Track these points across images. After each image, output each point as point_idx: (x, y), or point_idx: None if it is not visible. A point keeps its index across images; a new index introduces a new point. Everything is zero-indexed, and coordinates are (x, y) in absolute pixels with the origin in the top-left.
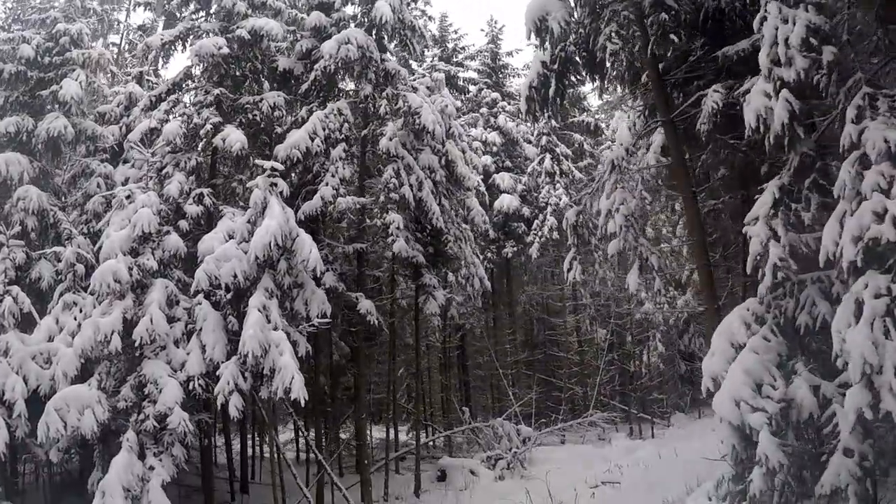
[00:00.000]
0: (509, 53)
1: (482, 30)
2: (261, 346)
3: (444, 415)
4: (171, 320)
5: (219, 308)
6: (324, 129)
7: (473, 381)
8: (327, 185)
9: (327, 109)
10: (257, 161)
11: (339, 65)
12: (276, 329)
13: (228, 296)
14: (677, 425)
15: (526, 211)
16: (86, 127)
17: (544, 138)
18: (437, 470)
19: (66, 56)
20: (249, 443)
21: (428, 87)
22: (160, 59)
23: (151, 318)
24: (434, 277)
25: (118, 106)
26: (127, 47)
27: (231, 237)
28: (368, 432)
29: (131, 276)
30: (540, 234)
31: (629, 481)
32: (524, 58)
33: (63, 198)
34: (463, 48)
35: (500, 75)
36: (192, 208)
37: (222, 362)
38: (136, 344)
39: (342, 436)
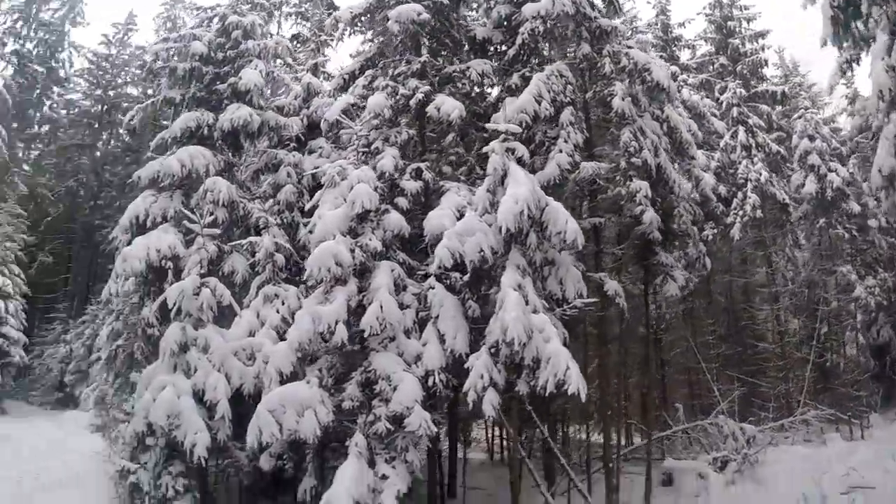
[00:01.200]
0: (681, 24)
1: (648, 2)
2: (525, 331)
3: (643, 413)
4: (399, 307)
5: (454, 292)
6: (549, 92)
7: (668, 376)
8: (561, 151)
9: (547, 71)
10: (489, 125)
11: (550, 25)
12: (535, 312)
13: (465, 278)
14: (876, 426)
15: (722, 189)
16: (268, 117)
17: (734, 110)
18: (662, 473)
19: (240, 49)
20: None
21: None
22: (345, 34)
23: (381, 305)
24: (670, 256)
25: (296, 98)
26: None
27: (460, 213)
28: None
29: (353, 258)
30: (741, 213)
31: (885, 487)
32: (695, 28)
33: (248, 191)
34: (632, 18)
35: (674, 48)
36: (409, 184)
37: (465, 353)
38: (366, 334)
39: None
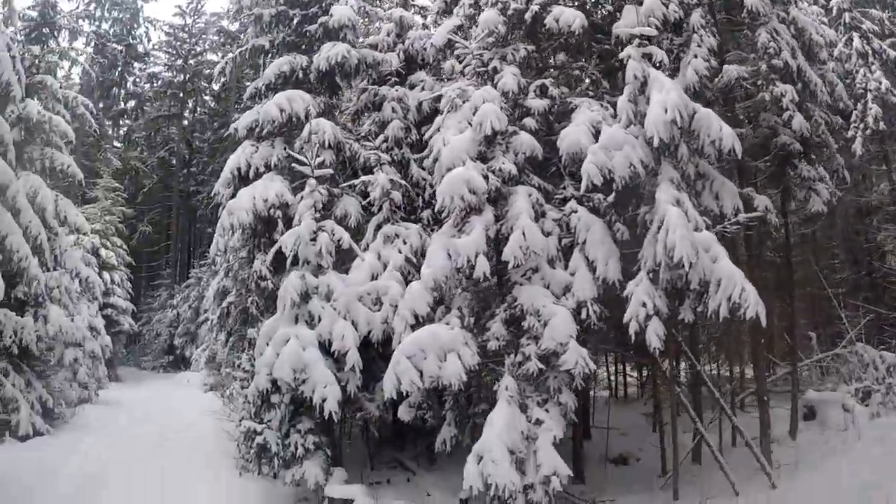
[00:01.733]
0: None
1: None
2: (693, 249)
3: (775, 343)
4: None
5: (599, 215)
6: None
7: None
8: (696, 56)
9: None
10: (620, 29)
11: None
12: (697, 230)
13: (609, 199)
14: None
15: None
16: (364, 54)
17: (846, 15)
18: (804, 406)
19: None
20: None
21: None
22: None
23: (524, 232)
24: (812, 168)
25: (388, 35)
26: None
27: (596, 129)
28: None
29: (488, 183)
30: (862, 126)
31: None
32: None
33: (351, 133)
34: None
35: None
36: (535, 102)
37: (618, 281)
38: (510, 266)
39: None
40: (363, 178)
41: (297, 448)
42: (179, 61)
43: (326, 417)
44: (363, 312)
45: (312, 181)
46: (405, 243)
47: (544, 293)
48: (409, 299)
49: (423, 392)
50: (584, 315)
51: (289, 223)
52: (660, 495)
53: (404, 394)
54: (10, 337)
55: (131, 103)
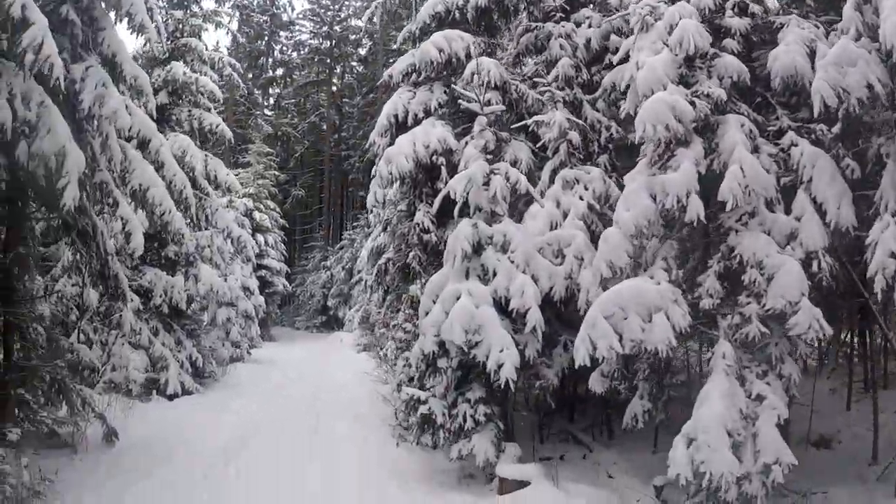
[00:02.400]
0: None
1: None
2: None
3: None
4: None
5: (823, 149)
6: None
7: None
8: None
9: None
10: None
11: None
12: None
13: (833, 130)
14: None
15: None
16: None
17: None
18: None
19: None
20: None
21: None
22: None
23: (742, 167)
24: None
25: None
26: None
27: (810, 48)
28: None
29: (695, 110)
30: None
31: None
32: None
33: (514, 75)
34: None
35: None
36: (735, 21)
37: (852, 226)
38: (728, 207)
39: None
40: (536, 118)
41: (465, 419)
42: (324, 28)
43: (502, 386)
44: (544, 266)
45: (482, 119)
46: (587, 189)
47: (767, 241)
48: (604, 249)
49: (619, 359)
50: (814, 268)
51: (453, 171)
52: (878, 489)
53: (599, 360)
54: (161, 296)
55: (279, 71)
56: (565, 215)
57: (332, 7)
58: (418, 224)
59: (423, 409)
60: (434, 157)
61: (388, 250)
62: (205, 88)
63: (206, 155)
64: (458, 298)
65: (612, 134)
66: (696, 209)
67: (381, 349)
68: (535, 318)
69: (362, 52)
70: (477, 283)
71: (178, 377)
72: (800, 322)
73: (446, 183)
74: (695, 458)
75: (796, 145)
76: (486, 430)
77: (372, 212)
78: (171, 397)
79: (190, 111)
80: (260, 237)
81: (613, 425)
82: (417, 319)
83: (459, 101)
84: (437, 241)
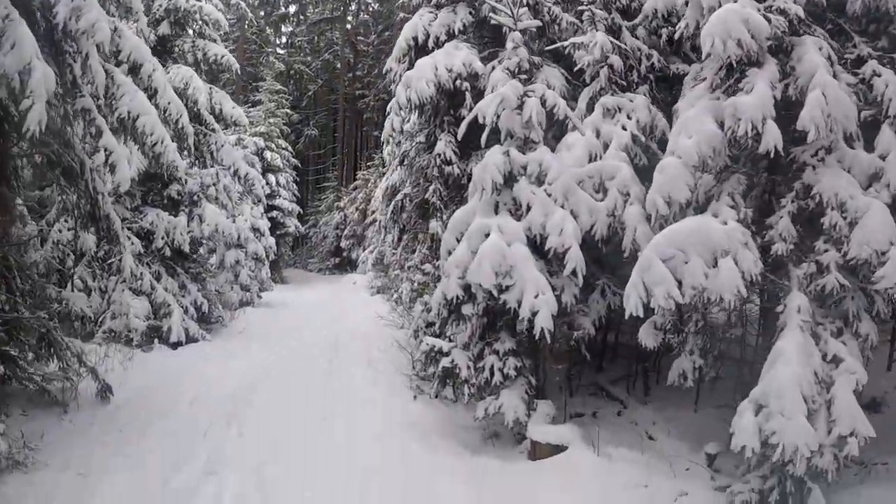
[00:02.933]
0: None
1: None
2: None
3: None
4: None
5: None
6: None
7: None
8: None
9: None
10: None
11: None
12: None
13: None
14: None
15: None
16: None
17: None
18: None
19: None
20: None
21: None
22: None
23: (824, 94)
24: None
25: None
26: None
27: None
28: None
29: (770, 26)
30: None
31: None
32: None
33: None
34: None
35: None
36: None
37: None
38: (809, 139)
39: None
40: (573, 39)
41: (492, 374)
42: None
43: (536, 336)
44: (584, 200)
45: (515, 35)
46: (630, 118)
47: (849, 180)
48: (660, 181)
49: (675, 310)
50: None
51: (478, 97)
52: None
53: (655, 309)
54: (162, 238)
55: (292, 8)
56: (606, 146)
57: None
58: (439, 155)
59: (445, 361)
60: (458, 82)
61: (404, 186)
62: (209, 17)
63: (210, 88)
64: (486, 236)
65: (653, 63)
66: (773, 138)
67: (396, 292)
68: (575, 258)
69: None
70: (508, 218)
71: (181, 324)
72: (887, 275)
73: (470, 110)
74: (764, 428)
75: (879, 75)
76: (516, 386)
77: (387, 147)
78: (174, 345)
79: (193, 42)
80: (271, 177)
81: (649, 379)
82: (437, 260)
83: (490, 16)
84: (460, 174)
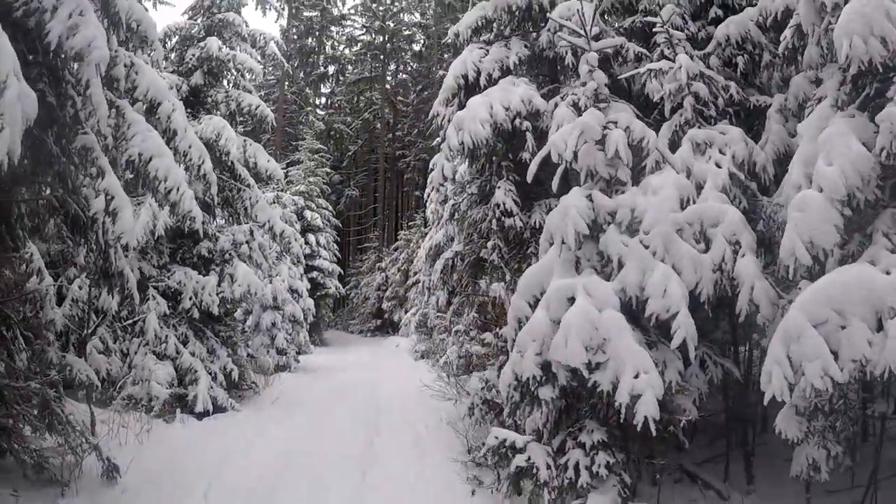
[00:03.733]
0: None
1: None
2: None
3: None
4: None
5: None
6: None
7: None
8: None
9: None
10: None
11: None
12: None
13: None
14: None
15: None
16: None
17: None
18: None
19: None
20: None
21: None
22: None
23: None
24: None
25: None
26: None
27: None
28: None
29: None
30: None
31: None
32: None
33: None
34: None
35: None
36: None
37: None
38: None
39: None
40: (649, 66)
41: (577, 472)
42: (377, 23)
43: (639, 425)
44: (687, 253)
45: (591, 56)
46: (722, 154)
47: None
48: (800, 221)
49: (834, 389)
50: None
51: (542, 139)
52: None
53: (806, 394)
54: (190, 299)
55: (331, 68)
56: (699, 187)
57: (384, 1)
58: (498, 206)
59: (519, 459)
60: (517, 122)
61: (453, 244)
62: (243, 65)
63: (245, 141)
64: (570, 301)
65: (731, 95)
66: None
67: (442, 357)
68: (684, 327)
69: (416, 47)
70: (595, 277)
71: (208, 392)
72: None
73: (533, 153)
74: None
75: None
76: (607, 487)
77: (430, 205)
78: (200, 415)
79: (227, 92)
80: (311, 237)
81: (752, 464)
82: (498, 328)
83: (559, 36)
84: (522, 228)
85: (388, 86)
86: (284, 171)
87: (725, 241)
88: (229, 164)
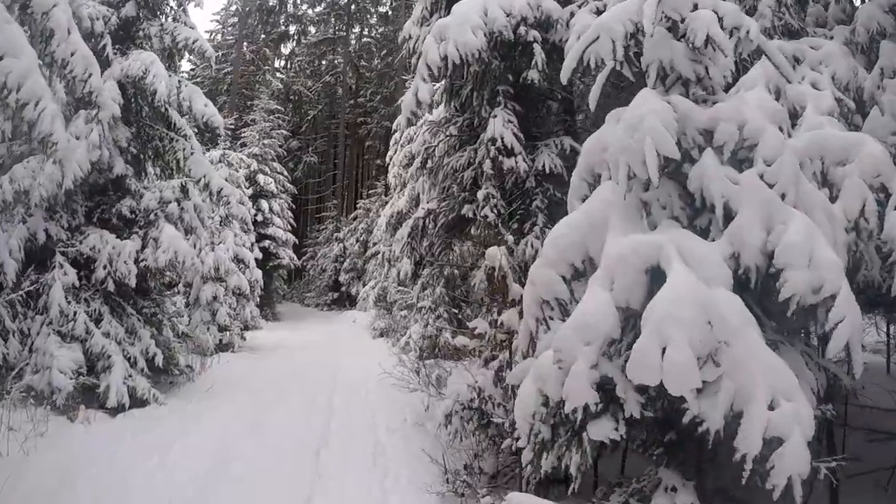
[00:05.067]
0: None
1: None
2: None
3: None
4: None
5: None
6: None
7: None
8: None
9: None
10: None
11: None
12: None
13: None
14: None
15: None
16: None
17: None
18: None
19: None
20: None
21: None
22: None
23: None
24: None
25: None
26: None
27: None
28: None
29: None
30: None
31: None
32: None
33: None
34: None
35: None
36: None
37: None
38: None
39: None
40: None
41: None
42: None
43: (776, 493)
44: (820, 203)
45: None
46: (818, 73)
47: None
48: None
49: None
50: None
51: (555, 53)
52: None
53: None
54: (105, 267)
55: (293, 28)
56: (793, 114)
57: None
58: (493, 141)
59: None
60: (521, 30)
61: (424, 201)
62: None
63: (180, 82)
64: (649, 272)
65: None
66: None
67: (402, 336)
68: (849, 318)
69: (382, 9)
70: (686, 234)
71: (123, 381)
72: None
73: (545, 71)
74: None
75: None
76: None
77: (392, 169)
78: (114, 411)
79: (162, 25)
80: (264, 203)
81: None
82: (495, 311)
83: None
84: (526, 172)
85: (351, 49)
86: (238, 132)
87: (865, 185)
88: (162, 108)
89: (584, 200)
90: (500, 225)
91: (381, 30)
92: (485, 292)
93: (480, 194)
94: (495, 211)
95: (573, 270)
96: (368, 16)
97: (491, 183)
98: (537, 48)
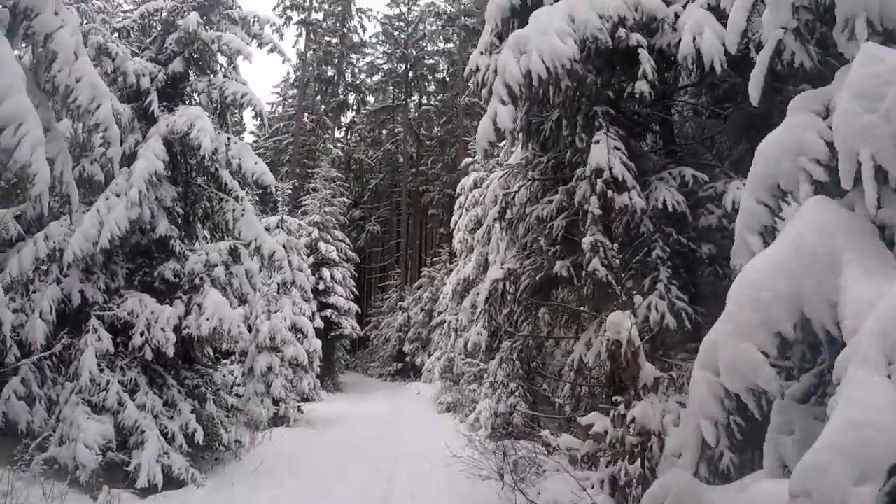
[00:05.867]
0: None
1: None
2: None
3: None
4: None
5: None
6: None
7: None
8: None
9: None
10: None
11: None
12: None
13: None
14: None
15: None
16: None
17: None
18: None
19: None
20: None
21: None
22: None
23: None
24: None
25: None
26: None
27: None
28: None
29: None
30: None
31: None
32: None
33: None
34: None
35: None
36: None
37: None
38: None
39: None
40: None
41: None
42: (399, 50)
43: None
44: None
45: None
46: None
47: None
48: None
49: None
50: None
51: (664, 60)
52: None
53: None
54: (142, 334)
55: (352, 97)
56: None
57: (406, 28)
58: (601, 171)
59: None
60: (620, 33)
61: (493, 270)
62: (229, 47)
63: (229, 138)
64: None
65: None
66: None
67: (471, 412)
68: None
69: (440, 76)
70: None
71: (157, 459)
72: None
73: (653, 81)
74: None
75: None
76: None
77: (457, 234)
78: (144, 491)
79: (210, 81)
80: (325, 271)
81: None
82: (619, 397)
83: None
84: (644, 210)
85: (410, 117)
86: (299, 200)
87: None
88: (209, 165)
89: (763, 234)
90: (613, 282)
91: (439, 97)
92: (600, 373)
93: (586, 242)
94: (606, 262)
95: (779, 341)
96: (426, 83)
97: (597, 228)
98: (643, 54)
